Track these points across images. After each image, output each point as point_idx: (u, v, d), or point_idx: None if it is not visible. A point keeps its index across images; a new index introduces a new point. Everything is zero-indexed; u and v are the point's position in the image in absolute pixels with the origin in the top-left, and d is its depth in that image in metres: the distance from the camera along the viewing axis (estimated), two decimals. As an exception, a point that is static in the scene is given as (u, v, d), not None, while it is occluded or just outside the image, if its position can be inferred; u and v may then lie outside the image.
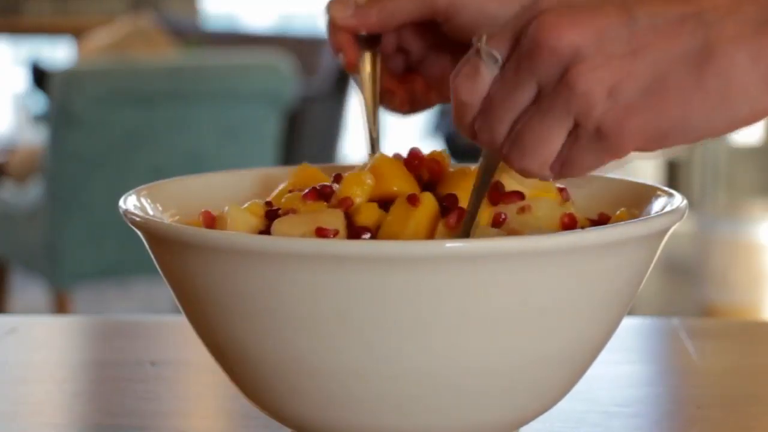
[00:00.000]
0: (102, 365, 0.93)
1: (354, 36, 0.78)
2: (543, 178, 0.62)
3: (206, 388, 0.88)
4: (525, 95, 0.60)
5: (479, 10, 0.76)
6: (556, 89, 0.59)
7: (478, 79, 0.60)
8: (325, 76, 4.20)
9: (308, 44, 4.50)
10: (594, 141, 0.59)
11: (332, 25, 0.78)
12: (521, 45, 0.59)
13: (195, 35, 4.59)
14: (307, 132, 4.06)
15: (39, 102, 4.57)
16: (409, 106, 0.82)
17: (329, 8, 0.78)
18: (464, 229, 0.65)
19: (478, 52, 0.60)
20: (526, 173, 0.62)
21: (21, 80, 5.54)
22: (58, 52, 5.76)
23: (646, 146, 0.59)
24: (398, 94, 0.81)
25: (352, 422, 0.65)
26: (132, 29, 3.89)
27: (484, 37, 0.60)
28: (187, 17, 5.81)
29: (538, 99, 0.60)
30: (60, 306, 3.30)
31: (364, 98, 0.78)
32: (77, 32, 5.00)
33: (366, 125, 0.77)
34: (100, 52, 3.80)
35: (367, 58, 0.78)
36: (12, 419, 0.80)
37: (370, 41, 0.79)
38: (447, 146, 4.93)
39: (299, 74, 3.60)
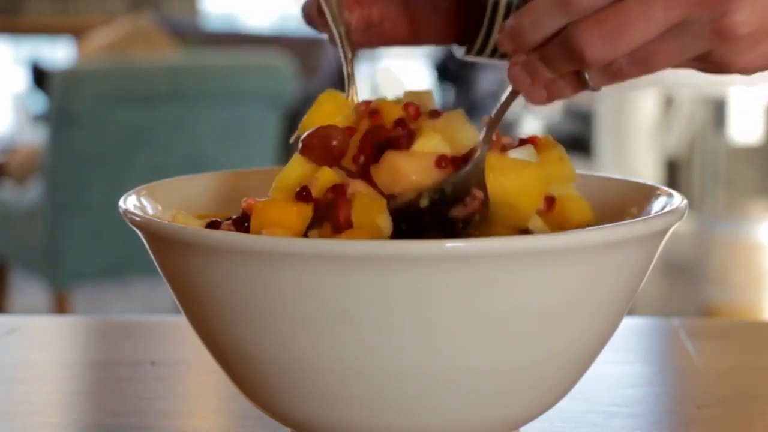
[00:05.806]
0: (102, 365, 0.93)
1: None
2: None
3: (206, 388, 0.88)
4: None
5: None
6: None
7: None
8: (325, 76, 4.20)
9: (308, 44, 4.50)
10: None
11: None
12: None
13: (195, 35, 4.60)
14: (307, 132, 4.05)
15: (39, 102, 4.57)
16: (364, 33, 0.81)
17: None
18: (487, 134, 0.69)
19: None
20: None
21: (21, 80, 5.54)
22: (58, 52, 5.76)
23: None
24: (354, 19, 0.81)
25: (352, 422, 0.65)
26: (132, 29, 3.89)
27: None
28: (187, 17, 5.81)
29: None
30: (60, 306, 3.30)
31: (334, 37, 0.79)
32: (77, 32, 5.01)
33: (342, 64, 0.78)
34: (100, 52, 3.80)
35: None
36: (12, 419, 0.80)
37: None
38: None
39: (299, 74, 3.60)
